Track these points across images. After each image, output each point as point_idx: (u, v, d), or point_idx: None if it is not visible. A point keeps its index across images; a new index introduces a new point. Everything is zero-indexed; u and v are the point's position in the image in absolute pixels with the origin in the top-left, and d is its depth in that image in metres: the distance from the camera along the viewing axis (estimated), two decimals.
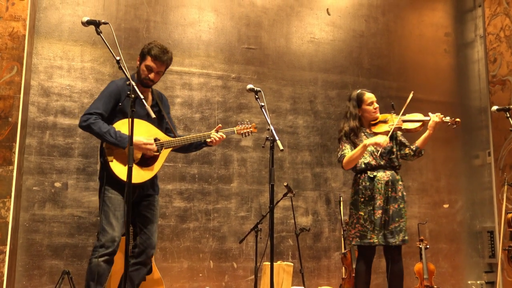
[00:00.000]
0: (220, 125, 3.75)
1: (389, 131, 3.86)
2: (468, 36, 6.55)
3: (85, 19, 3.02)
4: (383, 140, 3.70)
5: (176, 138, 3.57)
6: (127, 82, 2.93)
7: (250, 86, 3.52)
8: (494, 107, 4.15)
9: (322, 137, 5.58)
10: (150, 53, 3.47)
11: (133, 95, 2.87)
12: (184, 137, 3.61)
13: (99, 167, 3.77)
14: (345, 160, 3.83)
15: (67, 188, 4.61)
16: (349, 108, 4.00)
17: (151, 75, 3.49)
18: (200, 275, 4.93)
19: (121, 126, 3.41)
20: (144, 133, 3.45)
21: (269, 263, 3.26)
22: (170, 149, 3.59)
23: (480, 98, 6.33)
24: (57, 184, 4.57)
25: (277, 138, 3.27)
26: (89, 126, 3.35)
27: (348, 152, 3.84)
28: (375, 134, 3.91)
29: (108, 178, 3.41)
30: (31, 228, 4.46)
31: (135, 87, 2.90)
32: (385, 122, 3.95)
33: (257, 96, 3.49)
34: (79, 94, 4.77)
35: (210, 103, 5.23)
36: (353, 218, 3.84)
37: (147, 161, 3.47)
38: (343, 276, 4.91)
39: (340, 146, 3.93)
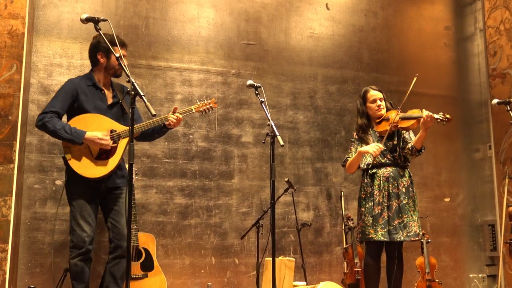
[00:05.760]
0: (176, 106, 3.78)
1: (387, 131, 3.85)
2: (467, 29, 6.53)
3: (84, 16, 3.02)
4: (374, 149, 3.74)
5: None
6: (127, 79, 2.91)
7: (250, 82, 3.53)
8: (495, 101, 4.14)
9: (322, 132, 5.58)
10: (115, 44, 3.32)
11: (133, 92, 2.86)
12: (140, 124, 3.62)
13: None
14: (347, 165, 4.01)
15: None
16: (357, 105, 4.07)
17: (125, 62, 3.50)
18: (202, 271, 4.94)
19: (76, 122, 3.45)
20: (99, 126, 3.47)
21: (271, 258, 3.27)
22: (127, 138, 3.55)
23: (480, 92, 6.32)
24: (58, 182, 4.57)
25: (277, 133, 3.28)
26: (44, 124, 3.39)
27: (352, 156, 3.96)
28: (379, 133, 3.92)
29: (70, 176, 3.49)
30: (33, 226, 4.46)
31: (136, 85, 2.87)
32: (387, 120, 3.92)
33: (257, 92, 3.50)
34: None
35: (210, 99, 5.20)
36: (358, 215, 3.96)
37: (105, 155, 3.49)
38: (345, 271, 4.91)
39: (349, 149, 4.08)
